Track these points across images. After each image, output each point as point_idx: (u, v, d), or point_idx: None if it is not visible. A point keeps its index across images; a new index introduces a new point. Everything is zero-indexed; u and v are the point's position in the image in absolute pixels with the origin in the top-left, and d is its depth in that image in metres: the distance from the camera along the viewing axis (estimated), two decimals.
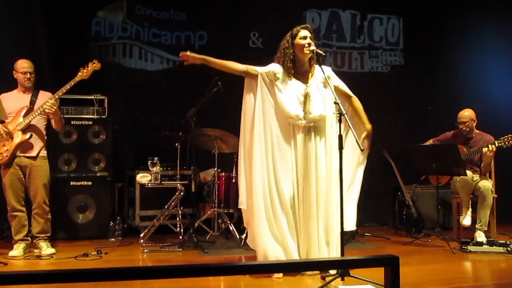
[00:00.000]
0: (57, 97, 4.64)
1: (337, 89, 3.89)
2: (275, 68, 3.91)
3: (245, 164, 3.98)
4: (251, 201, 3.91)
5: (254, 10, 6.60)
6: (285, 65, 3.88)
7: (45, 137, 4.84)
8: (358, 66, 7.09)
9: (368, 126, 3.97)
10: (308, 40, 3.81)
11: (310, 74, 3.92)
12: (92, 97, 5.66)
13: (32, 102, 4.74)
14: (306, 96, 3.83)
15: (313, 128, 3.84)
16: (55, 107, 4.62)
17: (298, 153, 3.82)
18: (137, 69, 6.52)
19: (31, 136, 4.63)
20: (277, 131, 3.87)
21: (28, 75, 4.72)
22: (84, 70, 4.65)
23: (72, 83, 4.62)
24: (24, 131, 4.62)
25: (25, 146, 4.64)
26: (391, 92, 6.89)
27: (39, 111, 4.62)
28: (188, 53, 3.87)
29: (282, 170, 3.83)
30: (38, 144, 4.72)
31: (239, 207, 4.07)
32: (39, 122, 4.75)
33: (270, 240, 3.78)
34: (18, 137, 4.60)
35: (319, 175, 3.80)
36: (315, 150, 3.82)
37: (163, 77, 6.52)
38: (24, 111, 4.66)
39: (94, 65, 4.67)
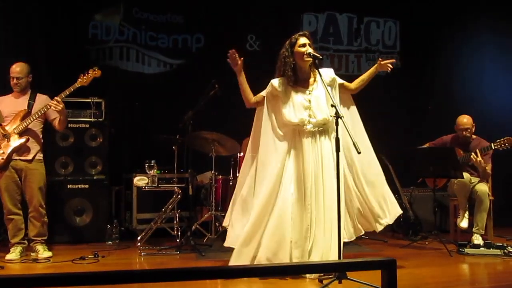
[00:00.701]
0: (59, 99, 4.60)
1: (345, 87, 4.11)
2: (275, 83, 3.99)
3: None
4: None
5: (251, 13, 6.62)
6: (286, 74, 3.95)
7: (42, 141, 4.82)
8: (355, 69, 7.11)
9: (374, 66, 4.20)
10: (307, 47, 3.87)
11: (311, 80, 3.99)
12: (89, 100, 5.65)
13: (30, 106, 4.73)
14: (310, 101, 3.89)
15: (319, 132, 3.89)
16: (61, 105, 4.56)
17: (306, 158, 3.85)
18: (134, 72, 6.53)
19: (27, 139, 4.62)
20: (279, 143, 3.96)
21: (15, 80, 4.69)
22: (84, 77, 4.63)
23: (72, 89, 4.60)
24: (21, 134, 4.61)
25: (21, 149, 4.63)
26: (388, 95, 6.91)
27: (37, 115, 4.61)
28: (240, 61, 3.95)
29: (286, 178, 3.88)
30: (34, 148, 4.70)
31: (224, 225, 4.24)
32: (36, 125, 4.73)
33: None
34: (15, 140, 4.59)
35: (326, 179, 3.83)
36: (321, 153, 3.86)
37: (160, 80, 6.52)
38: (22, 114, 4.65)
39: (94, 72, 4.65)
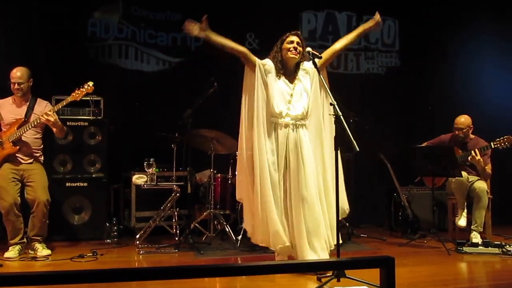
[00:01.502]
0: (51, 113, 4.59)
1: (329, 55, 4.15)
2: (269, 63, 4.11)
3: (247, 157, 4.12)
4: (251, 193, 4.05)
5: (250, 11, 6.60)
6: (275, 65, 4.08)
7: (41, 146, 4.82)
8: (354, 67, 7.11)
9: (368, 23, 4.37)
10: (294, 45, 4.03)
11: (296, 77, 4.10)
12: (88, 98, 5.60)
13: (28, 114, 4.71)
14: (292, 95, 4.01)
15: (295, 125, 3.98)
16: (52, 119, 4.57)
17: (280, 149, 3.95)
18: (133, 70, 6.51)
19: (19, 149, 4.62)
20: (265, 123, 4.02)
21: (17, 86, 4.67)
22: (78, 92, 4.62)
23: (64, 103, 4.62)
24: (15, 143, 4.61)
25: (18, 157, 4.64)
26: (386, 94, 6.91)
27: (32, 125, 4.60)
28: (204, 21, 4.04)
29: (270, 162, 3.96)
30: (33, 153, 4.71)
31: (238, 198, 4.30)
32: (34, 133, 4.73)
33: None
34: (7, 149, 4.60)
35: (307, 171, 3.89)
36: (299, 147, 3.94)
37: (159, 78, 6.50)
38: (19, 123, 4.64)
39: (88, 88, 4.64)
